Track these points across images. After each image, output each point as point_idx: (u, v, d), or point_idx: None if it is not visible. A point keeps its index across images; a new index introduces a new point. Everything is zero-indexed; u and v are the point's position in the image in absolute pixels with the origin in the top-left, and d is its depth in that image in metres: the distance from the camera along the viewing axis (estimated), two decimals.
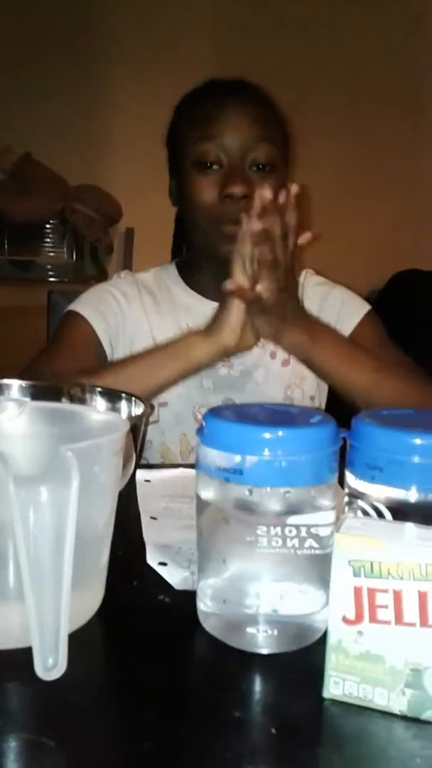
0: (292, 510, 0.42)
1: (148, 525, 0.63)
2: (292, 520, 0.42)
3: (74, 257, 2.59)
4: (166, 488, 0.73)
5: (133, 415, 0.67)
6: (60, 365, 0.90)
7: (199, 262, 1.02)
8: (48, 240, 2.59)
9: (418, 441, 0.41)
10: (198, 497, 0.45)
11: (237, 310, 0.83)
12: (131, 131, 2.60)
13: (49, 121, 2.52)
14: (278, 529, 0.43)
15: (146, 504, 0.68)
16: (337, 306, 1.07)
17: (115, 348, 1.01)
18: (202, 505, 0.45)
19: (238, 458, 0.41)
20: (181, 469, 0.77)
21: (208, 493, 0.44)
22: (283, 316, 0.85)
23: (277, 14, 2.64)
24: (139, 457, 0.68)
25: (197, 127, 0.93)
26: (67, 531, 0.37)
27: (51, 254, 2.60)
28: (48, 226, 2.56)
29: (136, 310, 1.01)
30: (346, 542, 0.38)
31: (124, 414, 0.68)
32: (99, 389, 0.71)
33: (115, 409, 0.68)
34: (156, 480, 0.75)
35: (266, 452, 0.41)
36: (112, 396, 0.69)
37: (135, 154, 2.56)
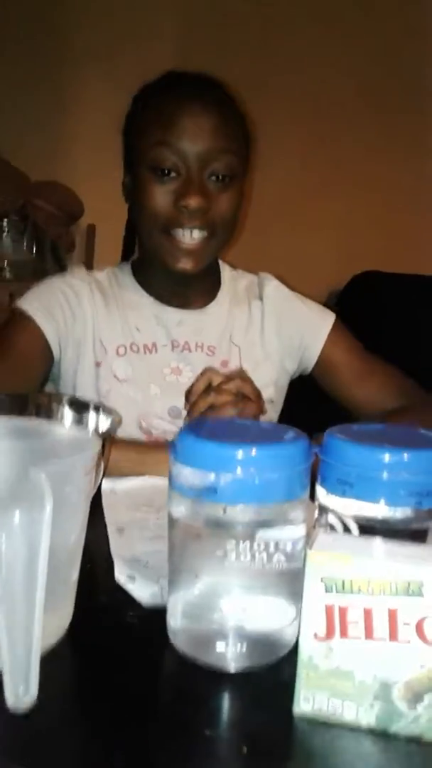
0: (264, 525, 0.43)
1: (116, 538, 0.62)
2: (263, 534, 0.43)
3: (34, 254, 2.54)
4: (132, 498, 0.72)
5: (101, 426, 0.66)
6: (2, 376, 0.88)
7: (151, 264, 1.00)
8: (7, 236, 2.53)
9: (387, 457, 0.42)
10: (170, 514, 0.45)
11: None
12: (93, 128, 2.56)
13: (9, 116, 2.47)
14: (247, 543, 0.43)
15: (113, 515, 0.67)
16: (300, 325, 1.05)
17: (64, 349, 0.98)
18: (173, 522, 0.45)
19: (212, 476, 0.41)
20: (145, 478, 0.77)
21: (180, 511, 0.44)
22: None
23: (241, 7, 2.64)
24: (105, 467, 0.67)
25: (156, 129, 0.89)
26: (40, 555, 0.37)
27: (10, 250, 2.55)
28: (7, 221, 2.50)
29: (86, 307, 0.98)
30: (318, 559, 0.38)
31: (91, 425, 0.67)
32: (66, 398, 0.70)
33: (82, 420, 0.67)
34: (121, 490, 0.74)
35: (240, 470, 0.41)
36: (80, 406, 0.68)
37: (97, 150, 2.52)
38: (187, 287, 1.01)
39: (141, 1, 2.54)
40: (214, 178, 0.89)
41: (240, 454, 0.41)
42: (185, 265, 0.92)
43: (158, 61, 2.68)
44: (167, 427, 0.97)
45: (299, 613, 0.41)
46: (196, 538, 0.44)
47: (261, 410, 0.86)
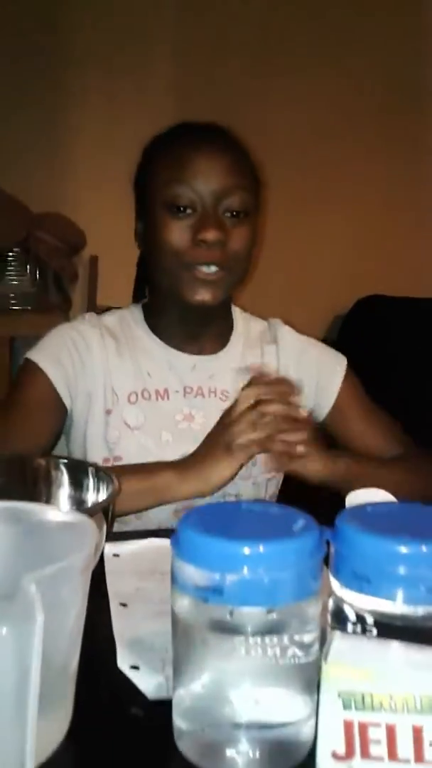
0: (276, 628, 0.39)
1: (118, 614, 0.59)
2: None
3: (38, 286, 2.53)
4: (136, 563, 0.69)
5: (101, 494, 0.64)
6: (13, 433, 0.88)
7: (165, 306, 0.99)
8: (10, 268, 2.53)
9: (409, 550, 0.39)
10: (173, 612, 0.42)
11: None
12: (95, 158, 2.58)
13: (11, 147, 2.48)
14: (257, 638, 0.40)
15: (115, 585, 0.64)
16: (316, 370, 1.05)
17: (75, 398, 0.96)
18: (176, 618, 0.42)
19: (217, 576, 0.38)
20: (150, 540, 0.74)
21: (183, 608, 0.41)
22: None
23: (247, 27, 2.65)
24: (109, 533, 0.64)
25: (170, 169, 0.91)
26: (32, 672, 0.34)
27: (14, 282, 2.55)
28: (10, 254, 2.50)
29: (96, 354, 0.98)
30: (335, 672, 0.35)
31: (91, 491, 0.65)
32: (64, 461, 0.67)
33: (81, 486, 0.65)
34: (125, 554, 0.71)
35: (247, 570, 0.38)
36: (78, 471, 0.65)
37: (98, 181, 2.54)
38: (202, 328, 1.00)
39: (142, 37, 2.56)
40: (228, 214, 0.91)
41: (246, 551, 0.38)
42: (204, 296, 0.91)
43: (158, 95, 2.70)
44: None
45: (316, 709, 0.38)
46: (200, 636, 0.41)
47: (310, 434, 0.84)
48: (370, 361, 2.28)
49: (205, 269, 0.90)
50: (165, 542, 0.73)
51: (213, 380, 1.01)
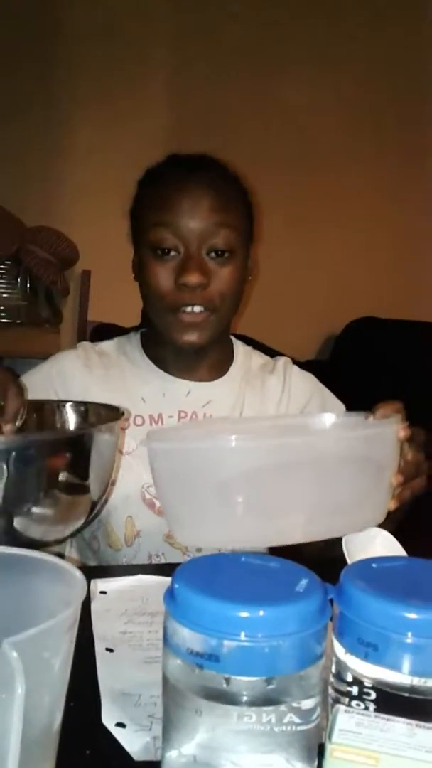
0: (275, 697, 0.37)
1: (104, 661, 0.56)
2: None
3: (28, 299, 2.50)
4: (124, 602, 0.66)
5: None
6: None
7: (159, 338, 1.00)
8: (1, 281, 2.50)
9: (419, 616, 0.37)
10: (164, 672, 0.39)
11: None
12: (89, 172, 2.56)
13: (4, 160, 2.46)
14: (253, 707, 0.37)
15: (101, 627, 0.61)
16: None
17: None
18: (168, 682, 0.39)
19: (213, 642, 0.35)
20: (139, 577, 0.71)
21: (175, 673, 0.38)
22: None
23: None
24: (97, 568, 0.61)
25: (154, 210, 0.91)
26: (11, 743, 0.31)
27: (4, 295, 2.52)
28: (1, 267, 2.47)
29: (77, 389, 0.96)
30: (340, 754, 0.33)
31: None
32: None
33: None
34: (112, 591, 0.68)
35: (245, 636, 0.35)
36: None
37: (92, 195, 2.52)
38: (196, 361, 1.00)
39: (138, 49, 2.56)
40: (213, 254, 0.90)
41: (246, 615, 0.35)
42: (190, 338, 0.92)
43: (154, 110, 2.69)
44: None
45: None
46: (192, 701, 0.38)
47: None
48: (362, 381, 2.28)
49: (189, 310, 0.90)
50: (154, 579, 0.71)
51: (209, 407, 0.99)
